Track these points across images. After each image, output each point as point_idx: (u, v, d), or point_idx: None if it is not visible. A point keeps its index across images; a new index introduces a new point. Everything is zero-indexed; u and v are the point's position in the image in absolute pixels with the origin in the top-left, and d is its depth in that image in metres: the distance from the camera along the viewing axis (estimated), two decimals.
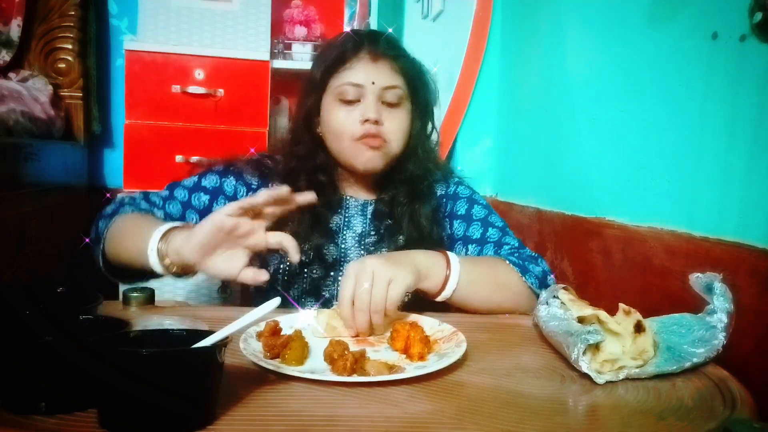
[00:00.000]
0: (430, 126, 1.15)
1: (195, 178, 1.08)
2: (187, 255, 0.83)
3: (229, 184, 1.07)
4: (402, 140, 1.07)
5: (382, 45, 1.06)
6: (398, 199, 1.09)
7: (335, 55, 1.05)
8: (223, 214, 0.81)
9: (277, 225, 1.04)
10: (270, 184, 1.08)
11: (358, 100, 1.04)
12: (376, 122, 1.02)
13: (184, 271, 0.88)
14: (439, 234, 1.09)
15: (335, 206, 1.10)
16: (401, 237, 1.07)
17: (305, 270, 1.07)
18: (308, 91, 1.10)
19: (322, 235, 1.07)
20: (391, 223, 1.09)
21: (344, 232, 1.10)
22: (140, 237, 0.89)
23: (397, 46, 1.10)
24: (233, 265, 0.84)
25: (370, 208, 1.12)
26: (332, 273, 1.08)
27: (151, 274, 0.91)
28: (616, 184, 1.16)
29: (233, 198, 1.06)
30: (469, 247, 1.09)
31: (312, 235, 1.06)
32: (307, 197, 0.88)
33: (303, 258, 1.04)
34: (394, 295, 0.80)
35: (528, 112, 1.61)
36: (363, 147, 1.03)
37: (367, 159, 1.04)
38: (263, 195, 0.82)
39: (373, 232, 1.10)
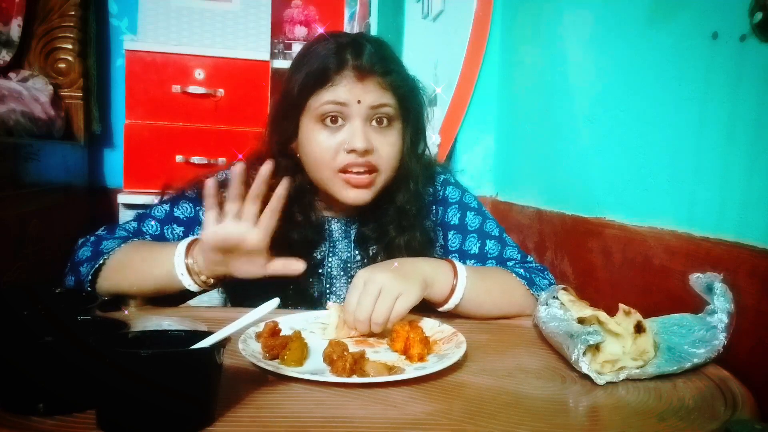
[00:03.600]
0: (422, 146, 1.03)
1: (166, 207, 0.99)
2: (211, 271, 0.85)
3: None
4: (394, 166, 0.96)
5: (368, 59, 0.92)
6: (387, 231, 1.00)
7: (315, 70, 0.92)
8: (206, 242, 0.82)
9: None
10: None
11: (342, 123, 0.92)
12: (365, 152, 0.91)
13: (219, 281, 0.89)
14: (430, 256, 1.00)
15: (317, 233, 1.01)
16: None
17: (289, 308, 0.98)
18: (285, 109, 0.97)
19: (305, 274, 0.94)
20: (377, 251, 1.00)
21: (329, 260, 1.02)
22: (156, 268, 0.87)
23: (386, 58, 0.95)
24: (255, 266, 0.85)
25: (353, 229, 1.03)
26: (318, 307, 0.97)
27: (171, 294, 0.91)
28: (616, 184, 1.16)
29: None
30: (467, 262, 1.03)
31: (295, 277, 0.93)
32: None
33: (285, 300, 0.97)
34: (400, 311, 0.79)
35: (528, 112, 1.61)
36: (347, 185, 0.93)
37: (354, 197, 0.94)
38: (231, 200, 0.82)
39: (358, 258, 1.02)
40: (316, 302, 1.00)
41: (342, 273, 1.03)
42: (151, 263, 0.88)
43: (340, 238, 1.04)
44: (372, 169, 0.93)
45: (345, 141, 0.91)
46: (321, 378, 0.64)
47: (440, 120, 1.88)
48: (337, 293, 1.02)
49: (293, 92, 0.94)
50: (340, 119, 0.92)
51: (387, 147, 0.94)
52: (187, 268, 0.85)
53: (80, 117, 2.03)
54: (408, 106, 0.98)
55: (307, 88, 0.93)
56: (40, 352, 0.53)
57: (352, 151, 0.91)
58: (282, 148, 0.98)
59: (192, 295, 1.03)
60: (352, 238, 1.04)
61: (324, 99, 0.91)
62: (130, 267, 0.90)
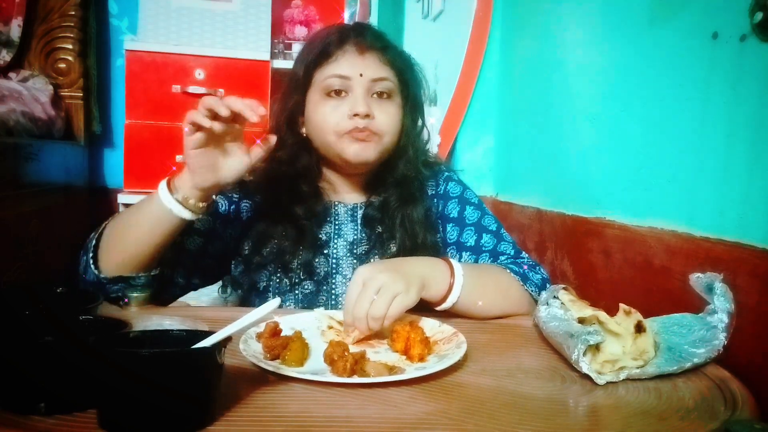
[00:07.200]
0: (420, 122, 1.09)
1: None
2: (201, 181, 0.86)
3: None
4: (395, 134, 1.02)
5: (368, 37, 1.01)
6: (389, 203, 1.05)
7: (319, 49, 1.00)
8: (193, 118, 0.82)
9: (260, 242, 1.02)
10: (251, 196, 1.05)
11: (346, 94, 0.99)
12: (367, 116, 0.97)
13: (208, 199, 0.89)
14: (432, 241, 1.05)
15: (323, 215, 1.05)
16: (393, 244, 1.04)
17: (296, 287, 1.02)
18: (291, 89, 1.04)
19: (310, 248, 1.02)
20: (382, 231, 1.05)
21: (335, 241, 1.05)
22: (145, 209, 0.89)
23: (384, 38, 1.04)
24: (241, 159, 0.88)
25: (359, 213, 1.07)
26: (324, 287, 1.04)
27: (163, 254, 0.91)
28: (616, 184, 1.16)
29: (215, 213, 1.01)
30: (464, 254, 1.05)
31: (300, 250, 1.01)
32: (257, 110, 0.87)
33: (292, 276, 1.02)
34: (395, 311, 0.78)
35: (528, 112, 1.61)
36: (351, 139, 0.98)
37: (358, 150, 0.98)
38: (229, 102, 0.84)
39: (364, 240, 1.06)
40: (322, 282, 1.03)
41: (348, 254, 1.05)
42: (142, 214, 0.89)
43: (346, 221, 1.07)
44: (373, 132, 0.99)
45: (349, 109, 0.97)
46: (321, 378, 0.64)
47: (440, 120, 1.88)
48: (343, 273, 1.05)
49: (299, 72, 1.02)
50: (343, 92, 0.99)
51: (385, 115, 1.00)
52: (177, 201, 0.86)
53: (80, 117, 2.03)
54: (406, 82, 1.04)
55: (311, 64, 1.01)
56: (40, 352, 0.53)
57: (355, 115, 0.97)
58: (289, 126, 1.04)
59: (201, 282, 1.05)
60: (359, 221, 1.07)
61: (328, 73, 0.99)
62: (123, 226, 0.91)
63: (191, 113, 0.82)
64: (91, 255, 0.90)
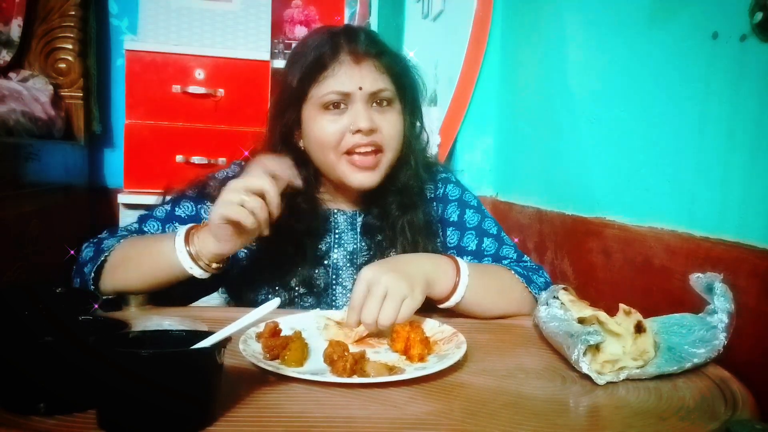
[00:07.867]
0: (418, 126, 1.07)
1: (167, 208, 1.00)
2: (224, 248, 0.84)
3: (207, 210, 0.98)
4: (398, 145, 0.99)
5: (362, 43, 0.96)
6: (390, 211, 1.02)
7: (312, 60, 0.95)
8: (222, 212, 0.80)
9: (257, 259, 1.00)
10: None
11: (345, 108, 0.95)
12: (370, 131, 0.94)
13: (222, 260, 0.87)
14: (433, 248, 1.03)
15: (322, 225, 1.03)
16: (393, 253, 1.01)
17: (296, 301, 1.01)
18: (286, 101, 1.00)
19: (310, 264, 1.00)
20: (382, 239, 1.03)
21: (334, 251, 1.03)
22: (159, 248, 0.87)
23: (378, 41, 1.00)
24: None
25: (359, 220, 1.05)
26: (325, 299, 1.02)
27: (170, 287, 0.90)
28: (616, 184, 1.16)
29: None
30: (464, 258, 1.02)
31: (299, 266, 1.00)
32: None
33: (291, 291, 1.00)
34: (406, 314, 0.78)
35: (528, 112, 1.61)
36: (354, 167, 0.96)
37: (362, 180, 0.96)
38: (264, 183, 0.81)
39: (365, 249, 1.04)
40: (322, 293, 1.02)
41: (348, 264, 1.04)
42: (153, 255, 0.88)
43: (346, 230, 1.05)
44: (377, 149, 0.96)
45: (350, 123, 0.94)
46: (321, 378, 0.64)
47: (440, 120, 1.88)
48: (344, 284, 1.03)
49: (293, 84, 0.98)
50: (342, 105, 0.95)
51: (389, 125, 0.97)
52: (190, 256, 0.85)
53: (80, 117, 2.03)
54: (404, 86, 1.02)
55: (306, 78, 0.96)
56: (40, 352, 0.53)
57: (358, 131, 0.94)
58: (285, 140, 1.01)
59: (196, 294, 1.03)
60: (358, 229, 1.05)
61: (326, 89, 0.95)
62: (131, 261, 0.90)
63: (232, 210, 0.79)
64: (91, 284, 0.90)
